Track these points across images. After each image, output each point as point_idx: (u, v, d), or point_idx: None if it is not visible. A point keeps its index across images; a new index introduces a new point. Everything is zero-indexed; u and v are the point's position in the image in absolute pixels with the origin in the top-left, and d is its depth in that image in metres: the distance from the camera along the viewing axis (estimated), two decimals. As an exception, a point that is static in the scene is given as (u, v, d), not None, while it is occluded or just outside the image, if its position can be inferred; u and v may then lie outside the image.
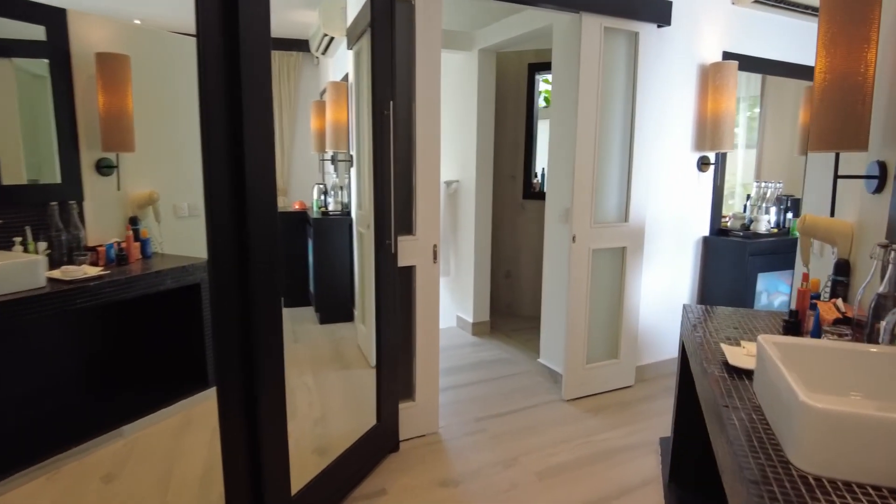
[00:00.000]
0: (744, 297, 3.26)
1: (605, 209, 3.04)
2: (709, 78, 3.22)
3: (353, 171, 4.29)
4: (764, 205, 3.58)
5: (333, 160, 5.72)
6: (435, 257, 2.55)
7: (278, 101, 6.75)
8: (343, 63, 4.63)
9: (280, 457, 1.76)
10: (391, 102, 2.21)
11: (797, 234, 3.58)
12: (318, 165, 6.45)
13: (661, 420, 2.82)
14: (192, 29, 1.45)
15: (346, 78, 4.44)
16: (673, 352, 3.50)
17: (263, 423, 1.67)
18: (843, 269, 1.87)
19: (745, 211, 3.70)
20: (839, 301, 1.74)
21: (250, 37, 1.49)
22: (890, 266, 1.44)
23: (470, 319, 4.23)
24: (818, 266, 2.18)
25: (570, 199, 2.92)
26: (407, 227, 2.51)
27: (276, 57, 6.68)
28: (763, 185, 3.60)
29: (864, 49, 1.61)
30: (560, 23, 3.08)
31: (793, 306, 1.82)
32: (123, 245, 2.43)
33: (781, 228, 3.58)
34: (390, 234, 2.29)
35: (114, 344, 2.56)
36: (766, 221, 3.49)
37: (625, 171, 3.05)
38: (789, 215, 3.62)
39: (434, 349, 2.63)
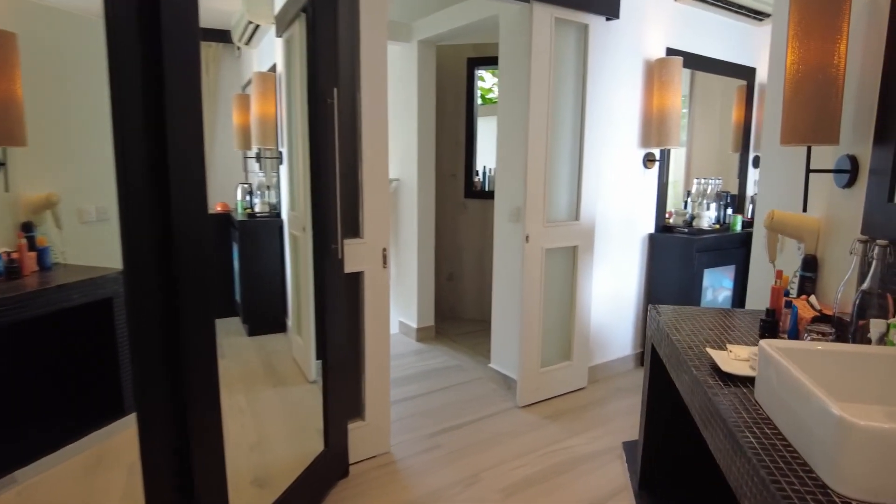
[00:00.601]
0: (690, 293, 3.27)
1: (556, 208, 2.95)
2: (654, 74, 3.21)
3: (283, 168, 3.98)
4: (705, 201, 3.63)
5: (259, 157, 5.35)
6: (385, 262, 2.34)
7: (196, 95, 6.24)
8: (269, 53, 4.30)
9: (218, 494, 1.49)
10: (335, 89, 1.98)
11: (737, 229, 3.66)
12: (242, 163, 6.03)
13: (620, 423, 2.76)
14: (95, 10, 1.18)
15: (273, 68, 4.12)
16: (622, 351, 3.47)
17: (197, 453, 1.40)
18: (811, 264, 1.85)
19: (685, 207, 3.74)
20: (812, 298, 1.70)
21: (175, 14, 1.23)
22: (874, 262, 1.39)
23: (414, 325, 4.04)
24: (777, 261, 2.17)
25: (523, 198, 2.80)
26: (353, 229, 2.29)
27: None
28: (703, 181, 3.65)
29: (837, 41, 1.57)
30: (508, 13, 2.95)
31: (768, 305, 1.77)
32: (14, 255, 2.04)
33: (723, 224, 3.64)
34: (336, 237, 2.06)
35: (4, 374, 2.16)
36: (707, 217, 3.53)
37: (575, 168, 2.97)
38: (729, 211, 3.69)
39: (384, 363, 2.41)
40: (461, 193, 4.51)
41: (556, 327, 3.05)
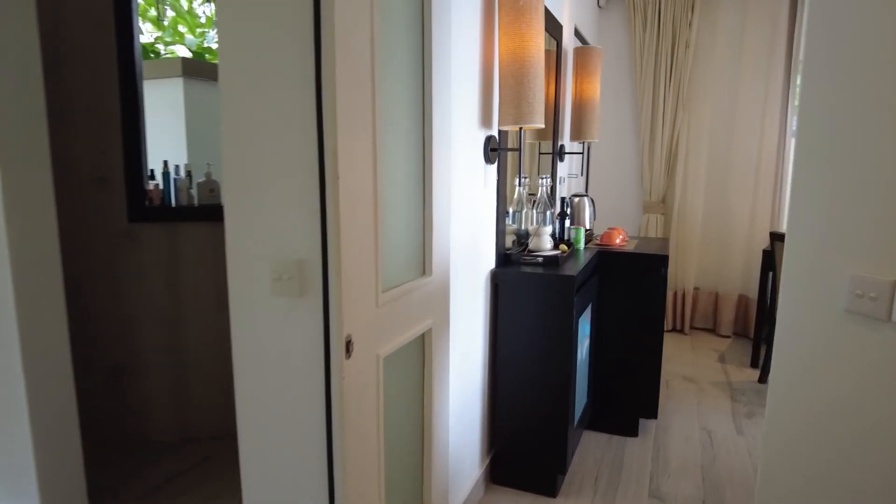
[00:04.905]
0: (563, 359, 2.06)
1: (393, 257, 1.33)
2: (502, 4, 1.83)
3: None
4: (533, 211, 2.47)
5: None
6: None
7: None
8: None
9: None
10: None
11: (581, 248, 2.60)
12: None
13: None
14: None
15: None
16: (472, 472, 2.06)
17: None
18: None
19: (510, 220, 2.52)
20: None
21: None
22: None
23: (38, 518, 1.81)
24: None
25: (318, 246, 1.11)
26: None
27: None
28: (525, 180, 2.49)
29: None
30: None
31: None
32: None
33: (568, 243, 2.54)
34: None
35: None
36: (548, 236, 2.38)
37: (418, 176, 1.40)
38: (567, 223, 2.62)
39: None
40: (123, 214, 2.39)
41: (401, 491, 1.45)
